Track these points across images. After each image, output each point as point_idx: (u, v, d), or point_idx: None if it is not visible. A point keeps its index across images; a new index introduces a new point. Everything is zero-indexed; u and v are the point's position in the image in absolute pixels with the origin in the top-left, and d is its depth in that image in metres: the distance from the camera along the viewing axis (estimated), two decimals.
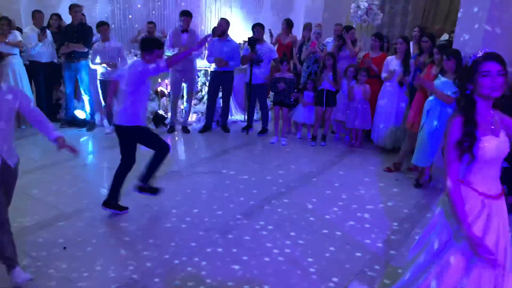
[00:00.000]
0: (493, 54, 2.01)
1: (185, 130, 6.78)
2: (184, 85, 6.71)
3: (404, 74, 5.50)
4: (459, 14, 4.62)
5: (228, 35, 6.64)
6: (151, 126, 6.91)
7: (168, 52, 6.43)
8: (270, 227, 3.74)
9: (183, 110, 6.97)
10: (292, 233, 3.64)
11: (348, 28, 6.65)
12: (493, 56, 2.00)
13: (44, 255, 3.20)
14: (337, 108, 6.23)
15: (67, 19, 6.82)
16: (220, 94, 6.86)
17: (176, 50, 6.30)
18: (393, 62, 5.65)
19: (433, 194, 4.58)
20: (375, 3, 7.57)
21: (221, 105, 6.95)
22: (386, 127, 5.81)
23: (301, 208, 4.15)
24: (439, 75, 4.48)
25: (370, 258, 3.33)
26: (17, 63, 6.28)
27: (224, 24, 6.59)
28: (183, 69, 6.42)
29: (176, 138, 6.60)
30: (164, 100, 7.19)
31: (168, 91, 7.12)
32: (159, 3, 9.31)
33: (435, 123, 4.44)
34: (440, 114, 4.42)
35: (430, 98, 4.54)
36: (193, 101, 7.50)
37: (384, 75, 5.73)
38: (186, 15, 6.47)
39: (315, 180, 4.92)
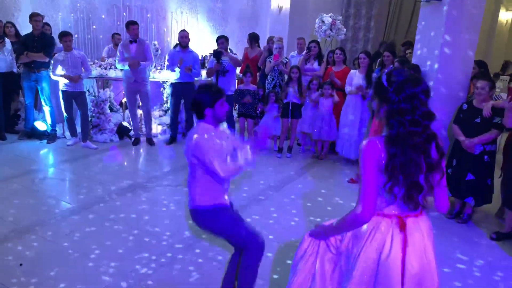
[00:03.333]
0: None
1: (150, 141, 6.69)
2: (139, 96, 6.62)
3: (366, 87, 5.65)
4: (417, 36, 4.84)
5: (188, 46, 6.64)
6: (115, 138, 6.79)
7: (119, 65, 6.35)
8: None
9: (144, 122, 6.87)
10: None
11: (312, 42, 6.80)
12: None
13: None
14: (303, 120, 6.32)
15: (28, 28, 6.63)
16: (183, 105, 6.83)
17: (125, 64, 6.24)
18: (356, 76, 5.81)
19: None
20: (339, 18, 7.76)
21: (185, 116, 6.91)
22: (350, 139, 5.94)
23: (264, 219, 4.15)
24: None
25: None
26: None
27: (188, 36, 6.60)
28: (135, 79, 6.34)
29: (141, 150, 6.50)
30: (128, 111, 7.08)
31: None
32: (124, 14, 9.22)
33: None
34: None
35: None
36: (159, 113, 7.43)
37: (348, 88, 5.87)
38: (133, 24, 6.36)
39: (280, 192, 4.95)
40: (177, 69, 6.42)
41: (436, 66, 4.52)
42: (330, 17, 7.60)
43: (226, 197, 2.57)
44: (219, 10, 9.86)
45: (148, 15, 9.35)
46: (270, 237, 3.75)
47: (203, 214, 2.51)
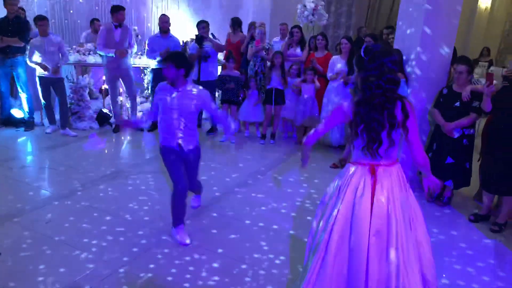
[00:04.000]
0: None
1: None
2: (121, 82, 6.52)
3: (348, 73, 5.66)
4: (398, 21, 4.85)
5: (169, 31, 6.53)
6: (95, 125, 6.68)
7: (102, 52, 6.21)
8: (214, 230, 3.72)
9: (128, 109, 6.77)
10: (233, 235, 3.64)
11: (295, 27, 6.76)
12: None
13: None
14: (285, 107, 6.31)
15: (3, 12, 6.41)
16: None
17: (110, 52, 6.10)
18: (338, 62, 5.81)
19: None
20: (321, 3, 7.73)
21: None
22: None
23: (250, 205, 4.15)
24: None
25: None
26: None
27: (168, 21, 6.49)
28: (118, 66, 6.22)
29: (122, 138, 6.41)
30: (108, 98, 6.96)
31: None
32: None
33: None
34: None
35: None
36: (140, 99, 7.32)
37: (330, 74, 5.87)
38: (122, 9, 6.22)
39: (263, 177, 4.95)
40: (158, 57, 6.33)
41: (418, 49, 4.54)
42: (312, 2, 7.57)
43: (179, 141, 3.29)
44: None
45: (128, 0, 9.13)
46: (261, 224, 3.76)
47: (160, 149, 3.40)
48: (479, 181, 4.20)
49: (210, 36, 6.46)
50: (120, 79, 6.41)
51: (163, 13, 7.71)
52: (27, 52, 6.08)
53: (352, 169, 2.29)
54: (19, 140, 6.01)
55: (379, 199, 2.17)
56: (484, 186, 4.03)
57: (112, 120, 6.72)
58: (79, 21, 8.76)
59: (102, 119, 6.74)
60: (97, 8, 8.89)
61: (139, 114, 6.89)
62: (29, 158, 5.46)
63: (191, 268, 3.04)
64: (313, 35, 7.18)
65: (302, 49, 6.68)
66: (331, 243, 2.22)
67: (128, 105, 6.80)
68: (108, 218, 3.75)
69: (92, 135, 6.33)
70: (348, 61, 5.68)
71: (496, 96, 3.76)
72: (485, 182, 3.99)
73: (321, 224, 2.33)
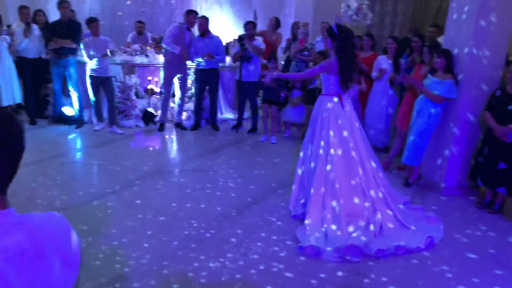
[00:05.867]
0: None
1: (180, 126, 6.76)
2: (176, 82, 6.67)
3: (394, 73, 5.53)
4: (448, 18, 4.67)
5: (210, 31, 6.62)
6: (141, 124, 6.88)
7: (166, 47, 6.37)
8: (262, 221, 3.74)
9: (175, 108, 6.93)
10: (275, 237, 3.64)
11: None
12: None
13: None
14: None
15: (56, 15, 6.73)
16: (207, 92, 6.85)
17: (176, 48, 6.27)
18: (383, 62, 5.69)
19: (422, 192, 4.62)
20: (365, 2, 7.59)
21: (209, 103, 6.93)
22: (376, 126, 5.85)
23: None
24: (428, 74, 4.52)
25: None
26: (6, 58, 6.17)
27: (204, 23, 6.55)
28: (179, 65, 6.39)
29: (167, 136, 6.56)
30: (153, 98, 7.15)
31: (158, 89, 7.09)
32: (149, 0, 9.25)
33: (424, 122, 4.49)
34: (429, 113, 4.47)
35: (420, 97, 4.58)
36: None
37: (374, 74, 5.76)
38: (194, 13, 6.52)
39: None
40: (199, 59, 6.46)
41: (466, 50, 4.36)
42: (356, 1, 7.44)
43: None
44: None
45: (173, 1, 9.35)
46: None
47: None
48: None
49: (255, 38, 6.48)
50: (176, 78, 6.59)
51: (202, 14, 7.80)
52: (83, 52, 6.34)
53: (332, 99, 3.76)
54: (70, 137, 6.28)
55: (346, 108, 3.75)
56: None
57: (157, 118, 6.90)
58: (126, 22, 9.07)
59: (147, 117, 6.93)
60: (143, 10, 9.16)
61: (184, 114, 7.03)
62: (78, 154, 5.69)
63: (241, 263, 3.07)
64: (356, 35, 7.06)
65: None
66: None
67: (173, 104, 6.96)
68: (150, 215, 3.85)
69: (138, 133, 6.53)
70: (394, 61, 5.54)
71: None
72: None
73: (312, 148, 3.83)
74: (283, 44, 7.68)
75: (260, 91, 6.78)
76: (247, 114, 7.23)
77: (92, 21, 6.24)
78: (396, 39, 5.81)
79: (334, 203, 3.53)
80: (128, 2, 9.21)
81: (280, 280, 2.94)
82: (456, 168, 4.44)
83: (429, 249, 3.40)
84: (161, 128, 6.71)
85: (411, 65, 5.25)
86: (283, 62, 7.61)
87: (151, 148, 5.96)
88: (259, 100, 7.20)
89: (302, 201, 3.87)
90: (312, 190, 3.62)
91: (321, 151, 3.67)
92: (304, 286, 2.90)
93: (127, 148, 5.85)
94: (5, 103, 6.20)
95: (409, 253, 3.31)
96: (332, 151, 3.63)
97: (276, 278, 2.96)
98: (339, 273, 3.05)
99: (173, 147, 6.21)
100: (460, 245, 3.53)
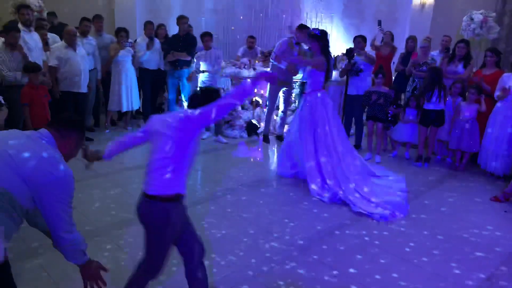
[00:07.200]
0: None
1: (281, 139, 6.79)
2: (281, 95, 6.73)
3: None
4: None
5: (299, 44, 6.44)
6: (244, 134, 7.06)
7: (274, 62, 6.41)
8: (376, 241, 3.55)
9: (277, 120, 6.99)
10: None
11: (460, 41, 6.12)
12: None
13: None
14: (440, 127, 5.76)
15: (175, 29, 7.26)
16: None
17: (282, 64, 6.17)
18: (509, 80, 5.09)
19: None
20: (492, 15, 6.90)
21: None
22: (496, 151, 5.23)
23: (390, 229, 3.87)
24: None
25: None
26: (129, 69, 6.83)
27: (301, 37, 6.12)
28: (285, 79, 6.42)
29: (268, 148, 6.64)
30: (258, 110, 7.31)
31: (263, 101, 7.23)
32: (261, 14, 9.53)
33: None
34: None
35: None
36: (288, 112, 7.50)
37: (497, 93, 5.18)
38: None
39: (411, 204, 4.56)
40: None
41: None
42: (481, 14, 6.82)
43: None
44: (354, 10, 9.57)
45: (284, 15, 9.51)
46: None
47: None
48: None
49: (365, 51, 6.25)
50: (281, 91, 6.67)
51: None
52: (192, 65, 6.75)
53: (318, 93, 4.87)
54: None
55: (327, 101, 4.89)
56: None
57: (259, 130, 7.02)
58: (238, 36, 9.45)
59: (251, 129, 7.10)
60: (233, 28, 9.46)
61: (286, 127, 7.05)
62: None
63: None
64: (479, 49, 6.45)
65: (465, 66, 6.03)
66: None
67: (275, 117, 7.03)
68: (251, 229, 3.87)
69: (241, 143, 6.71)
70: None
71: None
72: None
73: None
74: (395, 59, 7.31)
75: (366, 107, 6.52)
76: (352, 130, 7.00)
77: (205, 35, 6.60)
78: None
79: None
80: (241, 17, 9.61)
81: None
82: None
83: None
84: (266, 139, 6.78)
85: None
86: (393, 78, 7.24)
87: (252, 159, 6.07)
88: (364, 116, 6.93)
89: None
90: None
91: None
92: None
93: (229, 157, 6.04)
94: (125, 109, 6.84)
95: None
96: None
97: None
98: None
99: (273, 159, 6.24)
100: None
